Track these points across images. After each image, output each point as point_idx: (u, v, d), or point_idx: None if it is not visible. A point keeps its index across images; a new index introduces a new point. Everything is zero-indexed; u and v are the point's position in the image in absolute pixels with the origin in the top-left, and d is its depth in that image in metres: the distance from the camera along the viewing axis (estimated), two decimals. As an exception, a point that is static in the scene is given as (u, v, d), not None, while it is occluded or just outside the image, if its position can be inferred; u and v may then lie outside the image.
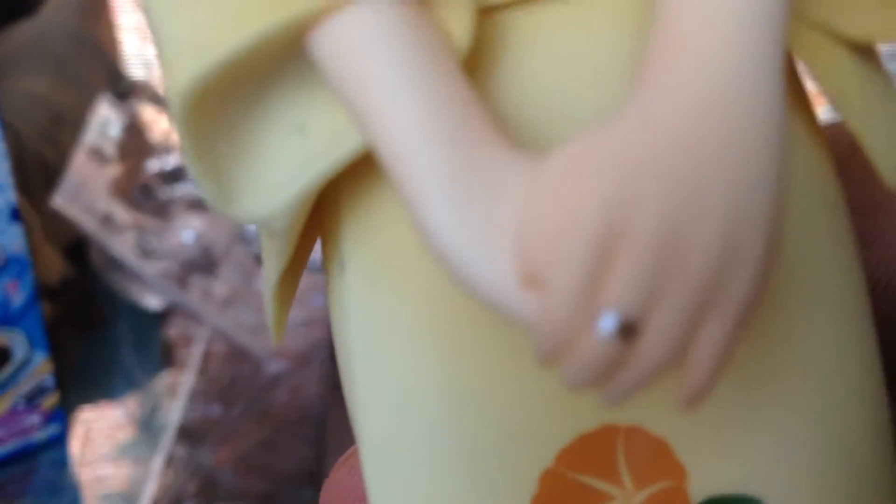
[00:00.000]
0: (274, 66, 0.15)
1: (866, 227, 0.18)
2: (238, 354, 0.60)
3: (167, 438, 0.54)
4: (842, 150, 0.17)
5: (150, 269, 0.60)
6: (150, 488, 0.50)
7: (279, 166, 0.15)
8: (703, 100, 0.13)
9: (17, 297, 0.51)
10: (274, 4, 0.14)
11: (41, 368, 0.53)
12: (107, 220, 0.61)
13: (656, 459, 0.16)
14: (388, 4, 0.14)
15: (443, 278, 0.14)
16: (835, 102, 0.16)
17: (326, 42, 0.14)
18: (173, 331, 0.65)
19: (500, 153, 0.14)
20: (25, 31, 0.74)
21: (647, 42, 0.14)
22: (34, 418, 0.53)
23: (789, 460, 0.16)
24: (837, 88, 0.16)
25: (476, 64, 0.15)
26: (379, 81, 0.14)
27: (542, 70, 0.16)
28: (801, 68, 0.17)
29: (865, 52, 0.16)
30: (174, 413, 0.56)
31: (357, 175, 0.16)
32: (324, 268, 0.18)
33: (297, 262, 0.17)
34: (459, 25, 0.14)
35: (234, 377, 0.58)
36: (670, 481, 0.16)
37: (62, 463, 0.53)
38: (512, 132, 0.15)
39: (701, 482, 0.16)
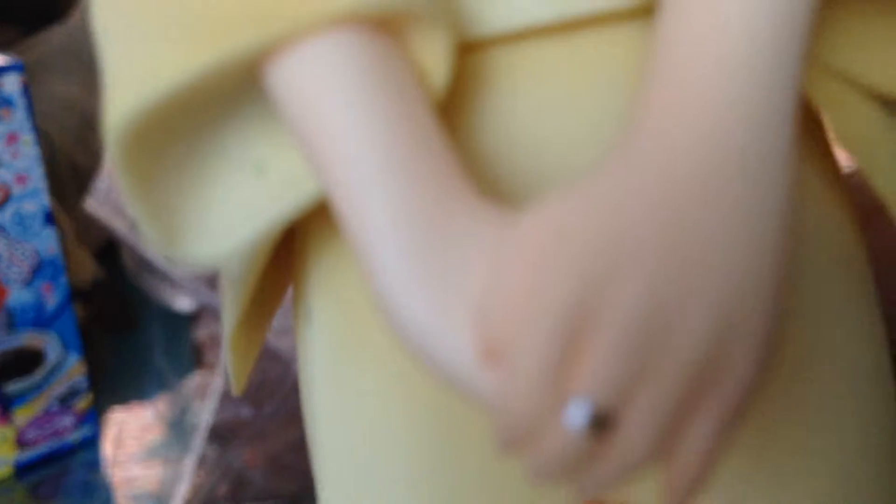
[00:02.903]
0: (230, 99, 0.14)
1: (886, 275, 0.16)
2: (267, 356, 0.59)
3: (198, 439, 0.54)
4: (869, 199, 0.15)
5: (180, 271, 0.60)
6: (181, 489, 0.50)
7: (232, 208, 0.14)
8: (701, 160, 0.11)
9: (51, 299, 0.51)
10: (225, 34, 0.12)
11: (74, 370, 0.53)
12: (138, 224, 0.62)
13: None
14: (349, 36, 0.12)
15: None
16: (858, 158, 0.14)
17: (281, 75, 0.13)
18: (203, 332, 0.65)
19: (465, 213, 0.12)
20: (56, 36, 0.74)
21: (644, 84, 0.12)
22: (67, 420, 0.54)
23: None
24: (861, 144, 0.14)
25: (454, 102, 0.14)
26: (333, 124, 0.12)
27: (525, 111, 0.14)
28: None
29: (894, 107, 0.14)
30: (205, 414, 0.56)
31: (325, 221, 0.14)
32: (293, 314, 0.16)
33: (264, 309, 0.16)
34: (436, 62, 0.13)
35: (263, 378, 0.58)
36: None
37: (95, 464, 0.53)
38: (486, 177, 0.13)
39: None
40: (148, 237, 0.14)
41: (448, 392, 0.14)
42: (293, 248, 0.16)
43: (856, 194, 0.15)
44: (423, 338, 0.12)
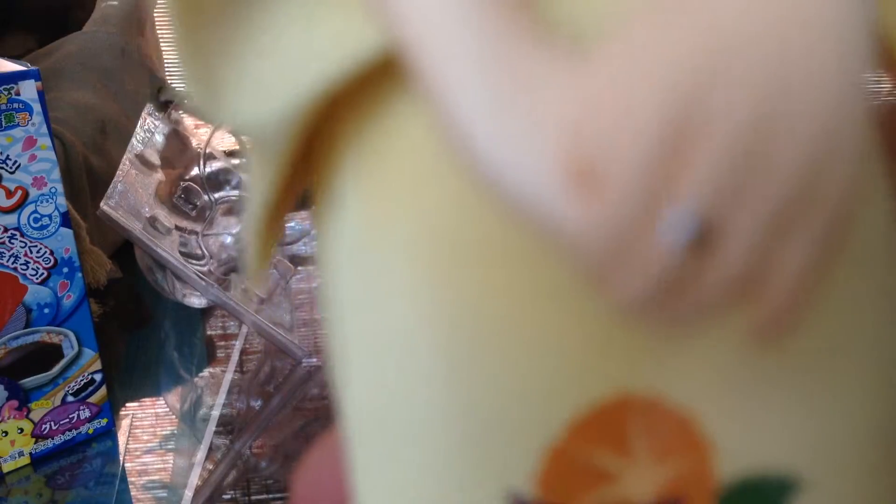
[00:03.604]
0: None
1: None
2: (275, 350, 0.60)
3: (209, 431, 0.54)
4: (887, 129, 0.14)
5: (192, 270, 0.60)
6: (193, 478, 0.51)
7: (279, 62, 0.13)
8: None
9: (68, 297, 0.52)
10: None
11: (90, 365, 0.54)
12: (151, 224, 0.62)
13: (679, 434, 0.14)
14: None
15: (455, 210, 0.12)
16: None
17: None
18: (214, 328, 0.66)
19: (541, 42, 0.11)
20: (71, 44, 0.75)
21: None
22: (83, 412, 0.54)
23: (832, 437, 0.14)
24: None
25: None
26: None
27: None
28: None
29: None
30: (215, 406, 0.57)
31: (359, 106, 0.13)
32: (315, 215, 0.15)
33: (281, 203, 0.15)
34: None
35: (271, 372, 0.59)
36: (694, 459, 0.14)
37: (109, 455, 0.54)
38: (565, 33, 0.12)
39: (731, 458, 0.14)
40: (194, 97, 0.13)
41: (488, 267, 0.13)
42: (314, 148, 0.14)
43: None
44: (505, 165, 0.11)
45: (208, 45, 0.13)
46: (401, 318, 0.13)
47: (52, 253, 0.51)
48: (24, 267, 0.50)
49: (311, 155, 0.15)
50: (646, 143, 0.11)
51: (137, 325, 0.66)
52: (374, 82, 0.13)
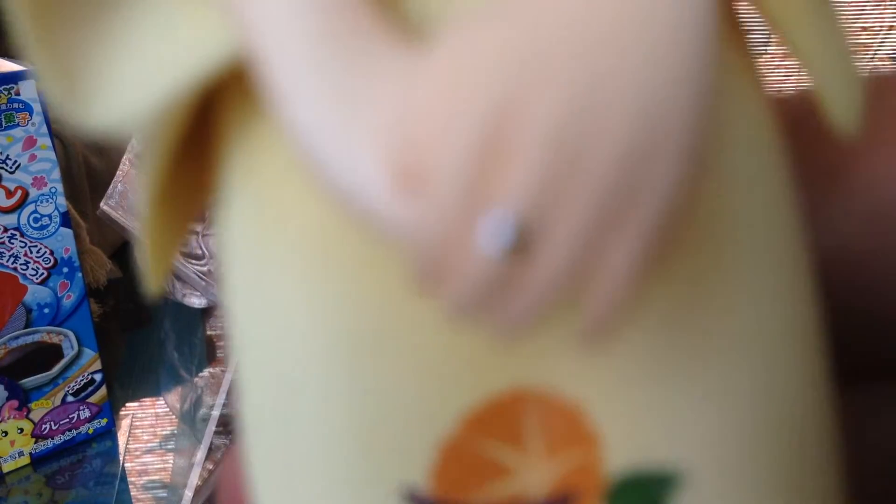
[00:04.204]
0: None
1: (816, 196, 0.16)
2: None
3: (209, 430, 0.54)
4: (789, 119, 0.15)
5: (192, 269, 0.61)
6: (193, 478, 0.51)
7: (140, 66, 0.13)
8: None
9: (68, 297, 0.52)
10: None
11: (90, 365, 0.54)
12: None
13: (570, 428, 0.14)
14: None
15: (329, 208, 0.13)
16: (781, 25, 0.14)
17: None
18: (214, 328, 0.65)
19: (378, 40, 0.12)
20: None
21: None
22: (84, 412, 0.55)
23: (713, 433, 0.14)
24: (787, 13, 0.13)
25: None
26: None
27: None
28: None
29: None
30: (215, 406, 0.57)
31: (242, 99, 0.14)
32: (212, 207, 0.15)
33: (174, 206, 0.15)
34: None
35: None
36: (584, 452, 0.14)
37: (109, 455, 0.54)
38: (402, 24, 0.12)
39: (618, 453, 0.14)
40: (51, 94, 0.12)
41: (374, 264, 0.13)
42: (209, 137, 0.14)
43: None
44: (333, 165, 0.11)
45: (64, 46, 0.13)
46: (290, 317, 0.13)
47: (52, 253, 0.51)
48: (24, 267, 0.50)
49: (201, 156, 0.14)
50: (464, 145, 0.11)
51: (137, 324, 0.66)
52: (243, 84, 0.13)
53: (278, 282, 0.14)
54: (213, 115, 0.14)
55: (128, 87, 0.13)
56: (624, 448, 0.14)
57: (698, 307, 0.14)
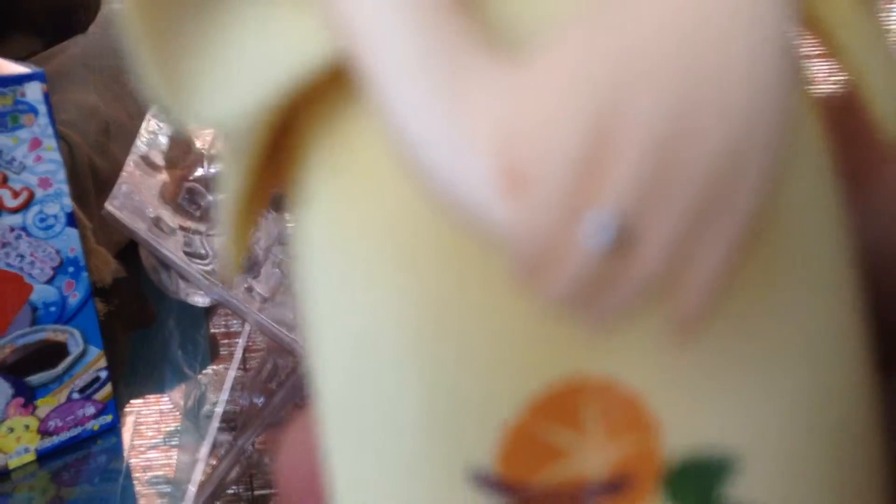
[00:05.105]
0: None
1: (859, 194, 0.16)
2: (278, 348, 0.60)
3: (212, 427, 0.55)
4: (832, 116, 0.15)
5: (196, 269, 0.61)
6: (197, 474, 0.51)
7: (238, 67, 0.13)
8: None
9: (73, 296, 0.53)
10: None
11: (95, 363, 0.54)
12: (156, 224, 0.63)
13: (629, 414, 0.14)
14: None
15: (415, 206, 0.13)
16: (822, 23, 0.14)
17: None
18: (218, 326, 0.66)
19: (478, 46, 0.12)
20: (76, 47, 0.76)
21: None
22: (89, 409, 0.55)
23: (769, 416, 0.14)
24: (834, 15, 0.14)
25: None
26: None
27: None
28: None
29: None
30: (219, 403, 0.57)
31: (327, 102, 0.14)
32: (290, 205, 0.16)
33: (255, 196, 0.15)
34: None
35: (274, 369, 0.59)
36: (642, 438, 0.14)
37: (114, 451, 0.54)
38: (492, 31, 0.13)
39: (676, 438, 0.14)
40: (156, 96, 0.13)
41: (452, 259, 0.13)
42: (285, 141, 0.15)
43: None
44: (439, 168, 0.12)
45: (170, 48, 0.13)
46: (369, 309, 0.14)
47: (57, 252, 0.51)
48: (30, 266, 0.51)
49: (283, 152, 0.15)
50: (569, 148, 0.11)
51: (142, 323, 0.67)
52: (335, 85, 0.13)
53: (356, 280, 0.14)
54: (291, 113, 0.14)
55: (230, 87, 0.13)
56: (682, 434, 0.14)
57: (760, 305, 0.14)
